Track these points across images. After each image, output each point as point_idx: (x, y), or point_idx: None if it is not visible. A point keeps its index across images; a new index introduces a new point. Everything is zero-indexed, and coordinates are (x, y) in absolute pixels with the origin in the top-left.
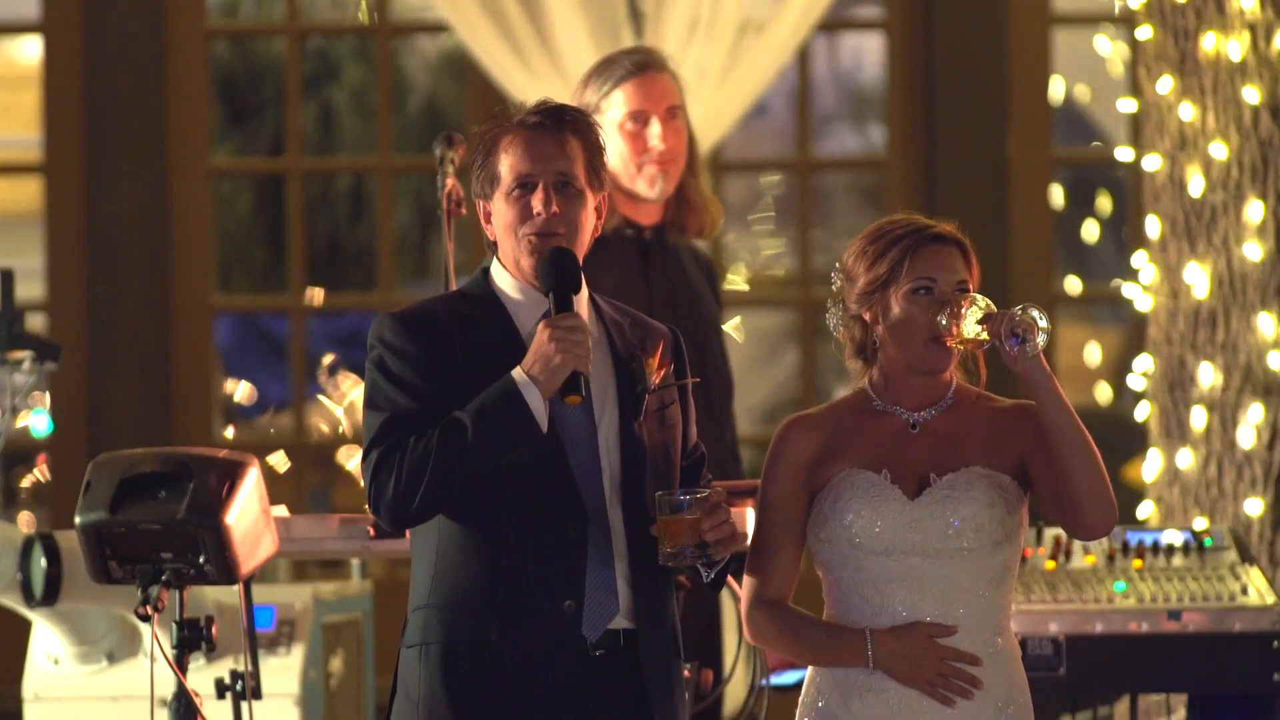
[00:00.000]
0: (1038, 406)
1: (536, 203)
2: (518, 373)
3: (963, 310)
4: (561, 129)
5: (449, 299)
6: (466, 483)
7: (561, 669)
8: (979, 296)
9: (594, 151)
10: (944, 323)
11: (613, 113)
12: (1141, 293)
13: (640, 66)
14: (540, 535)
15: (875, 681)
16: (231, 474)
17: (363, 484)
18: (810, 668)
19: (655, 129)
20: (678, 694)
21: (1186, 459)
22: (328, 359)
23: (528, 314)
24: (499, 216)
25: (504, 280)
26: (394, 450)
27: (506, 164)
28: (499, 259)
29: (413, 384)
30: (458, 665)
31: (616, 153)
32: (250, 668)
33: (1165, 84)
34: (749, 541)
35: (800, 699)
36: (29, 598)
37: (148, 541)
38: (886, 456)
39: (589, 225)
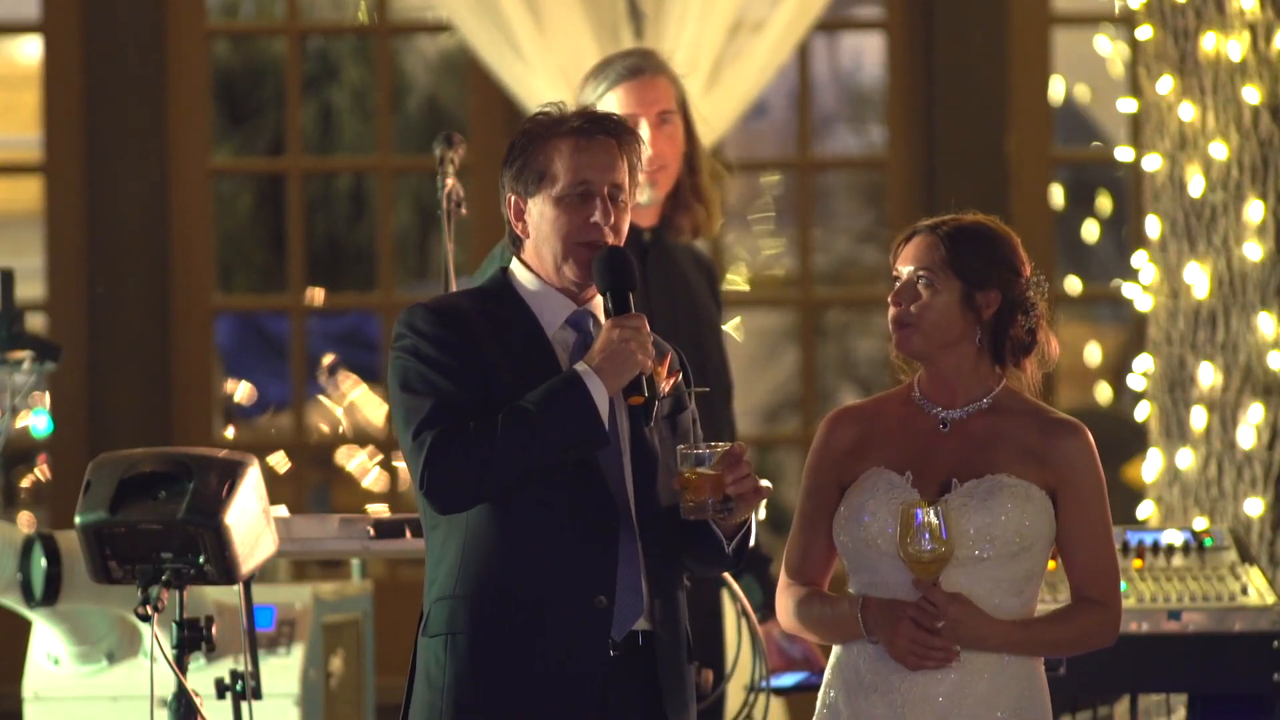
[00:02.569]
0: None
1: (596, 213)
2: (582, 367)
3: (910, 528)
4: (617, 141)
5: (471, 295)
6: (526, 472)
7: (588, 665)
8: (933, 550)
9: (635, 167)
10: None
11: None
12: (1141, 293)
13: (633, 70)
14: (574, 531)
15: (880, 682)
16: (231, 474)
17: (408, 463)
18: (828, 665)
19: (643, 134)
20: (690, 697)
21: (1186, 459)
22: (328, 359)
23: (550, 311)
24: (543, 217)
25: (525, 277)
26: (452, 433)
27: (562, 166)
28: (522, 257)
29: (453, 369)
30: (487, 655)
31: None
32: (250, 668)
33: (1165, 84)
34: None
35: (819, 695)
36: (29, 598)
37: (148, 541)
38: (913, 457)
39: None
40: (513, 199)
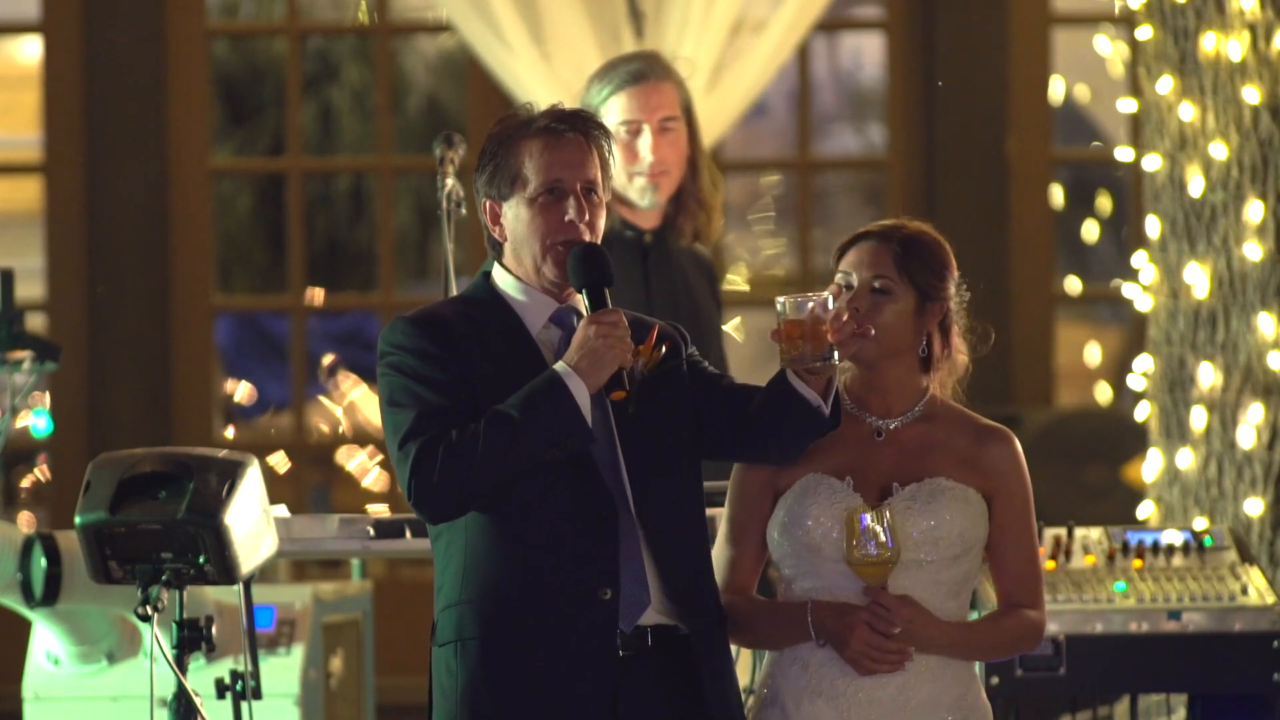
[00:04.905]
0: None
1: (570, 211)
2: (561, 366)
3: (856, 533)
4: (586, 137)
5: (453, 303)
6: (511, 475)
7: (596, 659)
8: (879, 555)
9: (607, 161)
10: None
11: (609, 119)
12: (1141, 293)
13: (637, 76)
14: (573, 526)
15: (825, 686)
16: (231, 474)
17: (398, 477)
18: (763, 670)
19: (646, 140)
20: (726, 692)
21: (1186, 459)
22: (328, 359)
23: (534, 315)
24: (518, 220)
25: (507, 282)
26: (435, 442)
27: (533, 167)
28: (503, 262)
29: (436, 380)
30: (496, 659)
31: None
32: (250, 668)
33: (1165, 84)
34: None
35: (752, 701)
36: (29, 598)
37: (148, 541)
38: (852, 463)
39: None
40: (488, 204)
